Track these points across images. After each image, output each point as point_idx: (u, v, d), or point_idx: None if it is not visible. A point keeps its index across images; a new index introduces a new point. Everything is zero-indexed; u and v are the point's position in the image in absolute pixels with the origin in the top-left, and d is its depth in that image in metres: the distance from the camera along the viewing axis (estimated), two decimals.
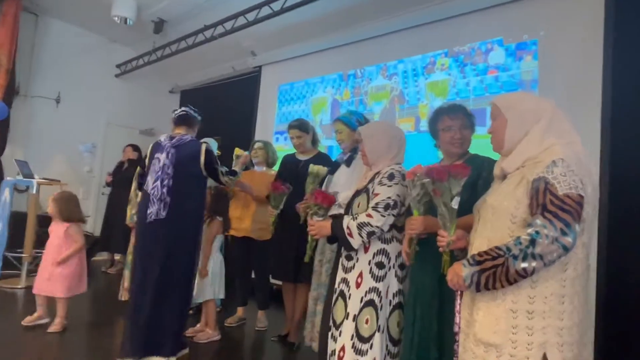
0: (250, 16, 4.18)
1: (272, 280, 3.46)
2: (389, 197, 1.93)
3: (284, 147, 4.69)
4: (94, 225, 5.84)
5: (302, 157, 3.16)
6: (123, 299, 3.75)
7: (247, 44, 5.13)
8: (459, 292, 1.46)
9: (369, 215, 1.91)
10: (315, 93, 4.50)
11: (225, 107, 5.72)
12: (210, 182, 3.52)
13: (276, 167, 3.47)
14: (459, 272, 1.35)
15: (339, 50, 4.30)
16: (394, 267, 1.98)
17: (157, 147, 2.64)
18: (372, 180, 2.07)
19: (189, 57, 5.67)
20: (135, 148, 5.29)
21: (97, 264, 5.43)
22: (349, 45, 4.23)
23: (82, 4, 5.24)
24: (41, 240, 5.24)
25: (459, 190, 1.51)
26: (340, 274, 2.07)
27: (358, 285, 1.98)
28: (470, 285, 1.33)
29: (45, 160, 5.49)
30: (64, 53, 5.75)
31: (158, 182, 2.53)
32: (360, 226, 1.91)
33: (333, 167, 2.82)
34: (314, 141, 3.17)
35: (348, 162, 2.68)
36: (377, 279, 1.95)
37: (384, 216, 1.90)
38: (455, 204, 1.52)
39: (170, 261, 2.49)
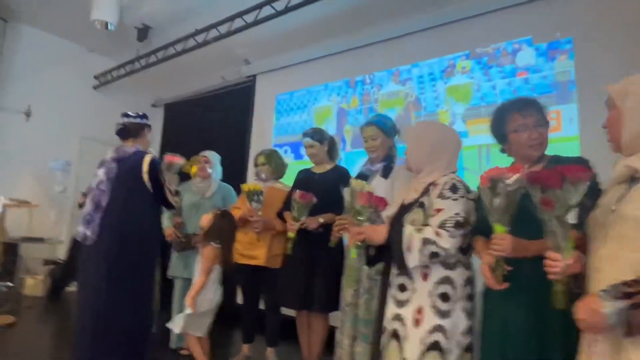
0: (243, 20, 3.84)
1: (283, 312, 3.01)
2: (457, 214, 1.57)
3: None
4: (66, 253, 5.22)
5: (316, 170, 2.77)
6: None
7: (240, 51, 4.76)
8: (591, 336, 1.09)
9: (438, 234, 1.54)
10: (319, 102, 4.15)
11: (215, 121, 5.31)
12: (215, 203, 3.11)
13: (286, 180, 3.07)
14: (598, 309, 0.99)
15: (345, 56, 3.99)
16: (461, 299, 1.61)
17: (101, 163, 2.43)
18: (425, 192, 1.70)
19: (173, 67, 5.26)
20: None
21: (74, 295, 4.83)
22: (355, 50, 3.92)
23: (56, 8, 4.78)
24: (8, 270, 4.68)
25: (579, 200, 1.16)
26: (391, 309, 1.67)
27: (417, 323, 1.59)
28: (615, 326, 0.97)
29: (13, 180, 4.92)
30: (36, 62, 5.24)
31: (89, 201, 2.31)
32: (425, 242, 1.54)
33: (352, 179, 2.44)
34: (333, 154, 2.78)
35: (385, 173, 2.31)
36: (442, 314, 1.57)
37: (453, 237, 1.54)
38: (572, 217, 1.16)
39: (110, 290, 2.20)
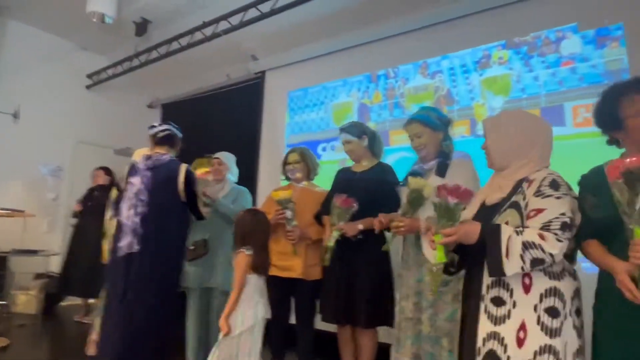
0: (250, 14, 3.57)
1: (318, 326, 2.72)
2: (563, 214, 1.32)
3: None
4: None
5: (356, 169, 2.50)
6: (89, 353, 2.87)
7: (247, 47, 4.48)
8: None
9: (542, 237, 1.29)
10: (337, 98, 3.89)
11: (219, 122, 5.00)
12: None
13: (318, 181, 2.80)
14: None
15: (364, 48, 3.74)
16: (570, 314, 1.36)
17: (132, 170, 2.38)
18: (517, 190, 1.46)
19: (173, 65, 4.96)
20: (107, 171, 4.45)
21: (69, 310, 4.46)
22: (376, 43, 3.68)
23: (47, 3, 4.44)
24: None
25: None
26: (485, 326, 1.42)
27: (521, 342, 1.34)
28: None
29: (1, 187, 4.53)
30: (25, 60, 4.88)
31: (132, 211, 2.26)
32: (527, 246, 1.29)
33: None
34: (375, 149, 2.52)
35: (440, 171, 2.06)
36: (551, 332, 1.32)
37: (561, 241, 1.30)
38: None
39: (145, 301, 2.20)
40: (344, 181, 2.47)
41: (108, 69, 5.21)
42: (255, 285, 2.21)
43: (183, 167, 2.36)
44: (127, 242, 2.21)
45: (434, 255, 1.50)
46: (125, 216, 2.25)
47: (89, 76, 5.39)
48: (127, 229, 2.22)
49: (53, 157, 5.13)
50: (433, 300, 1.96)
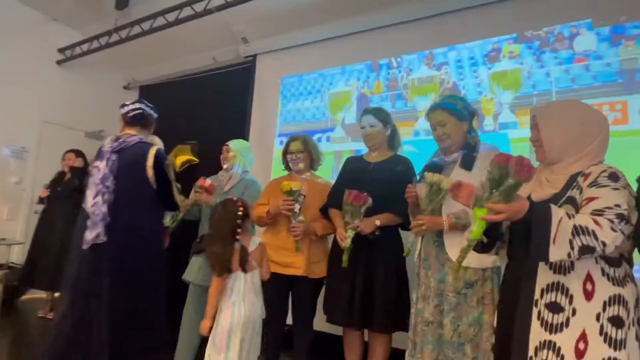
0: None
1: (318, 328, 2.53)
2: (618, 205, 1.21)
3: None
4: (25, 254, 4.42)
5: (371, 159, 2.33)
6: None
7: (237, 29, 4.22)
8: None
9: (597, 223, 1.17)
10: (335, 87, 3.70)
11: (204, 107, 4.71)
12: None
13: (322, 173, 2.61)
14: None
15: (366, 36, 3.57)
16: (633, 323, 1.24)
17: (98, 154, 2.18)
18: (572, 185, 1.33)
19: (153, 44, 4.63)
20: (79, 154, 4.10)
21: (32, 305, 4.08)
22: (378, 30, 3.51)
23: None
24: None
25: None
26: (538, 334, 1.28)
27: (580, 354, 1.22)
28: None
29: None
30: None
31: (98, 198, 2.05)
32: (578, 232, 1.17)
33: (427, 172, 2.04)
34: (393, 142, 2.35)
35: (467, 164, 1.91)
36: (616, 344, 1.21)
37: (615, 230, 1.18)
38: None
39: (117, 297, 1.99)
40: (357, 171, 2.30)
41: (82, 43, 4.81)
42: (243, 281, 2.01)
43: (152, 150, 2.13)
44: (94, 234, 2.01)
45: (468, 233, 1.36)
46: (90, 204, 2.05)
47: (61, 51, 4.95)
48: (95, 219, 2.02)
49: (17, 138, 4.70)
50: (456, 304, 1.82)
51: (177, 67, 5.09)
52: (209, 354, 1.95)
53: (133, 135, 2.19)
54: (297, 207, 2.22)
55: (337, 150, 3.56)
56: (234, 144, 2.85)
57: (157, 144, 2.90)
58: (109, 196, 2.04)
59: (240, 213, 2.01)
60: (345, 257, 2.07)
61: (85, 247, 2.00)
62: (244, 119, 4.23)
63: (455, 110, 1.98)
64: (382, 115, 2.35)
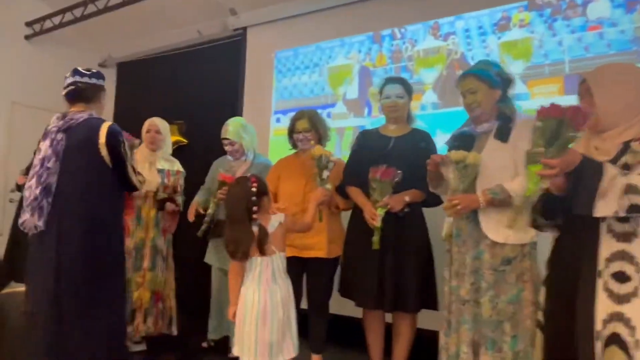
0: None
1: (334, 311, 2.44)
2: None
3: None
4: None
5: (390, 134, 2.21)
6: None
7: None
8: None
9: None
10: (334, 59, 3.53)
11: (189, 85, 4.45)
12: None
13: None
14: None
15: (367, 5, 3.39)
16: None
17: (44, 134, 2.00)
18: (625, 152, 1.28)
19: (131, 17, 4.33)
20: None
21: (14, 300, 3.81)
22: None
23: None
24: None
25: None
26: (606, 306, 1.23)
27: None
28: None
29: None
30: None
31: (33, 181, 1.90)
32: (630, 190, 1.15)
33: (455, 143, 1.94)
34: (410, 116, 2.24)
35: (502, 135, 1.82)
36: None
37: None
38: None
39: (68, 291, 1.87)
40: (377, 146, 2.17)
41: (53, 16, 4.42)
42: (250, 269, 1.87)
43: (105, 125, 1.96)
44: (28, 219, 1.87)
45: (523, 188, 1.38)
46: (26, 187, 1.91)
47: (29, 24, 4.55)
48: (28, 207, 1.88)
49: None
50: (493, 281, 1.75)
51: (157, 42, 4.77)
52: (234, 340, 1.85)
53: (81, 111, 1.99)
54: (325, 173, 2.08)
55: (339, 126, 3.42)
56: (230, 134, 2.64)
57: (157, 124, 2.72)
58: (48, 179, 1.88)
59: (254, 190, 1.85)
60: (376, 238, 1.97)
61: (26, 231, 1.91)
62: (235, 96, 4.02)
63: (487, 77, 1.87)
64: (408, 86, 2.25)
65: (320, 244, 2.17)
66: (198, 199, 2.68)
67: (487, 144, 1.83)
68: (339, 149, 3.37)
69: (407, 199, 2.00)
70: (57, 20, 4.39)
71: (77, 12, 4.27)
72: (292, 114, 3.60)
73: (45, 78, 4.72)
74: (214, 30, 4.30)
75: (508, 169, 1.79)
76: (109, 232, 2.02)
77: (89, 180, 1.95)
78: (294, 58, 3.72)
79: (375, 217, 1.99)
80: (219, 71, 4.24)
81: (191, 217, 2.57)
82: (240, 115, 3.89)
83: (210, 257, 2.67)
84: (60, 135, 1.91)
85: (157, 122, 2.87)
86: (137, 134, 4.66)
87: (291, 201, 2.20)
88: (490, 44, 2.94)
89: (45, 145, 1.92)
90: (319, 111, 3.46)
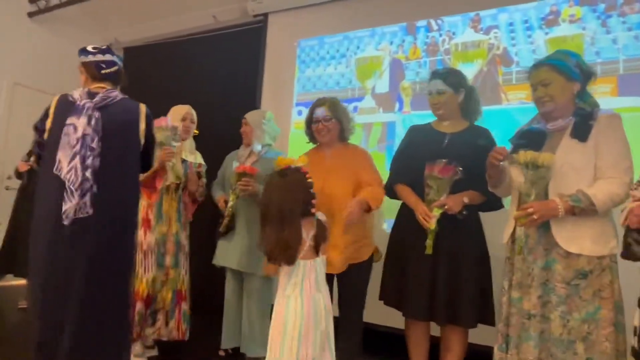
0: None
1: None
2: None
3: None
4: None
5: (445, 130, 2.01)
6: None
7: None
8: None
9: None
10: (363, 50, 3.33)
11: (202, 75, 4.19)
12: None
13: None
14: None
15: None
16: None
17: (69, 107, 1.79)
18: None
19: None
20: None
21: (10, 294, 3.57)
22: None
23: None
24: None
25: None
26: None
27: None
28: None
29: None
30: None
31: (77, 162, 1.73)
32: None
33: (522, 142, 1.75)
34: (469, 108, 2.03)
35: (580, 134, 1.63)
36: None
37: None
38: None
39: (98, 276, 1.76)
40: (430, 143, 1.97)
41: None
42: (291, 274, 1.67)
43: (143, 108, 1.93)
44: (74, 204, 1.72)
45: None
46: (66, 170, 1.74)
47: (32, 1, 4.28)
48: (72, 187, 1.73)
49: None
50: (566, 296, 1.56)
51: (168, 26, 4.54)
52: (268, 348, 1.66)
53: (111, 89, 1.90)
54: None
55: (366, 122, 3.22)
56: (250, 116, 2.51)
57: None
58: (93, 161, 1.75)
59: (310, 181, 1.64)
60: (429, 242, 1.78)
61: (66, 222, 1.71)
62: (253, 86, 3.79)
63: (564, 68, 1.68)
64: (453, 78, 2.02)
65: (345, 254, 1.96)
66: (222, 193, 2.48)
67: (562, 144, 1.64)
68: (366, 145, 3.17)
69: (465, 200, 1.81)
70: None
71: None
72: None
73: (48, 59, 4.47)
74: (232, 15, 4.08)
75: (586, 171, 1.60)
76: (135, 218, 2.00)
77: (127, 163, 1.89)
78: (318, 48, 3.51)
79: (429, 218, 1.79)
80: (235, 59, 4.02)
81: (222, 205, 2.37)
82: (259, 106, 3.68)
83: (223, 258, 2.40)
84: (97, 113, 1.78)
85: (193, 111, 2.67)
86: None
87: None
88: (537, 40, 2.76)
89: (82, 123, 1.75)
90: (345, 105, 3.29)
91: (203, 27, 4.27)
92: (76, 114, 1.77)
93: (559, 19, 2.72)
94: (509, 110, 2.75)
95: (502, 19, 2.88)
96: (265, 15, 3.80)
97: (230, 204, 2.26)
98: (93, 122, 1.76)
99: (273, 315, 1.69)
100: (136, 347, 2.32)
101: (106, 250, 1.79)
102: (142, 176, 2.28)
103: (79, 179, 1.72)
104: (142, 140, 1.91)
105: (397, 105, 3.14)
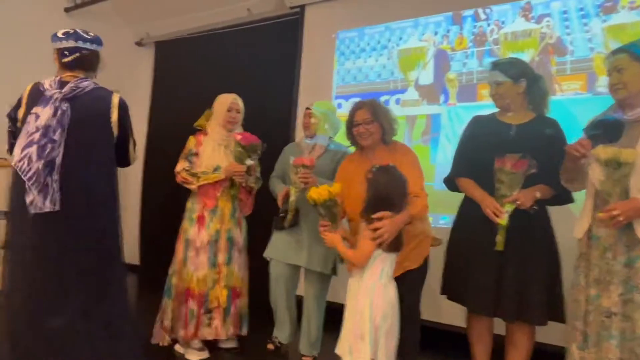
0: None
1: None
2: None
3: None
4: None
5: (510, 121, 1.93)
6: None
7: None
8: None
9: None
10: (405, 41, 3.26)
11: (235, 69, 4.17)
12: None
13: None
14: None
15: None
16: None
17: (38, 96, 1.78)
18: None
19: None
20: None
21: None
22: None
23: None
24: None
25: None
26: None
27: None
28: None
29: None
30: None
31: (31, 152, 1.68)
32: None
33: (597, 132, 1.68)
34: (536, 98, 1.95)
35: None
36: None
37: None
38: None
39: (69, 269, 1.73)
40: (495, 135, 1.90)
41: None
42: (386, 264, 1.73)
43: (115, 98, 1.87)
44: (34, 199, 1.67)
45: None
46: (18, 158, 1.69)
47: None
48: (26, 177, 1.67)
49: (16, 95, 4.09)
50: None
51: (200, 20, 4.51)
52: (349, 344, 1.66)
53: (83, 78, 1.85)
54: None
55: (409, 114, 3.16)
56: (317, 107, 2.45)
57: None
58: (52, 152, 1.70)
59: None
60: (500, 238, 1.73)
61: (31, 212, 1.68)
62: (290, 79, 3.75)
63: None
64: (512, 69, 1.95)
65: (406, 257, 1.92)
66: (283, 185, 2.42)
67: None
68: (409, 139, 3.12)
69: (538, 194, 1.75)
70: None
71: None
72: (356, 99, 3.41)
73: None
74: (267, 7, 4.04)
75: None
76: (112, 211, 1.92)
77: (96, 156, 1.83)
78: (358, 39, 3.45)
79: (500, 213, 1.73)
80: (271, 52, 3.98)
81: (280, 202, 2.34)
82: (296, 100, 3.65)
83: (284, 254, 2.34)
84: (65, 105, 1.73)
85: (239, 100, 2.61)
86: (177, 117, 4.46)
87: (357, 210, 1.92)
88: (593, 28, 2.66)
89: (47, 114, 1.71)
90: (387, 97, 3.24)
91: (236, 20, 4.23)
92: (42, 104, 1.74)
93: (617, 5, 2.61)
94: (562, 101, 2.66)
95: (555, 7, 2.78)
96: (302, 7, 3.74)
97: (291, 198, 2.22)
98: (59, 113, 1.72)
99: (356, 301, 1.69)
100: (195, 343, 2.33)
101: (76, 243, 1.75)
102: (199, 182, 2.34)
103: (32, 170, 1.67)
104: (116, 131, 1.86)
105: (442, 97, 3.07)
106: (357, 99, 3.31)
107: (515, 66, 1.94)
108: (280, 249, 2.34)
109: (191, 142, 2.52)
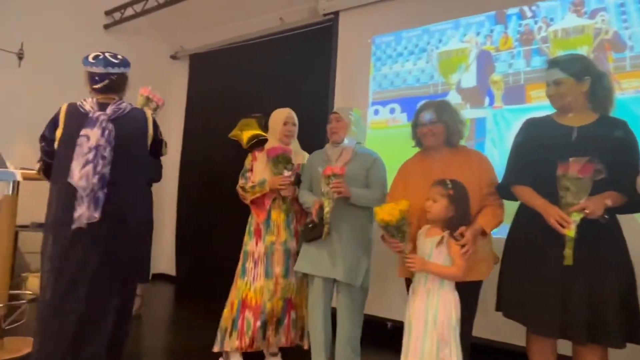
0: None
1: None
2: None
3: (386, 124, 3.30)
4: None
5: (571, 123, 1.77)
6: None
7: None
8: None
9: None
10: (445, 44, 3.13)
11: (270, 76, 4.16)
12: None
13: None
14: None
15: None
16: None
17: (82, 119, 1.90)
18: None
19: (204, 5, 4.11)
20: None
21: None
22: None
23: None
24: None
25: None
26: None
27: None
28: None
29: (7, 141, 3.61)
30: None
31: (88, 169, 1.82)
32: None
33: None
34: (597, 99, 1.78)
35: None
36: None
37: None
38: None
39: (105, 281, 1.88)
40: (554, 138, 1.74)
41: (131, 5, 4.26)
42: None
43: (149, 114, 2.09)
44: (83, 211, 1.81)
45: None
46: (77, 177, 1.83)
47: (108, 13, 4.42)
48: (84, 194, 1.82)
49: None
50: None
51: (233, 31, 4.54)
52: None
53: (120, 101, 2.02)
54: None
55: None
56: (344, 111, 2.40)
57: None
58: (103, 169, 1.87)
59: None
60: (569, 251, 1.55)
61: (74, 226, 1.81)
62: (325, 87, 3.69)
63: None
64: (575, 66, 1.78)
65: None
66: (313, 197, 2.33)
67: None
68: None
69: (608, 202, 1.57)
70: (137, 7, 4.23)
71: (153, 1, 4.09)
72: (393, 104, 3.32)
73: None
74: (300, 16, 4.01)
75: None
76: (149, 225, 2.19)
77: (137, 170, 2.02)
78: (395, 43, 3.35)
79: (567, 224, 1.57)
80: (305, 60, 3.94)
81: (314, 215, 2.23)
82: (332, 107, 3.57)
83: (320, 267, 2.21)
84: (110, 125, 1.90)
85: (293, 114, 2.60)
86: (211, 129, 4.46)
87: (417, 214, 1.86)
88: None
89: (96, 134, 1.87)
90: (456, 107, 3.10)
91: (269, 30, 4.22)
92: (90, 126, 1.87)
93: None
94: (623, 100, 2.45)
95: (610, 0, 2.59)
96: (336, 13, 3.68)
97: (326, 209, 2.12)
98: (107, 134, 1.88)
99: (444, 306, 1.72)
100: (235, 356, 2.28)
101: (120, 260, 1.91)
102: (251, 195, 2.40)
103: (90, 187, 1.82)
104: (151, 141, 2.08)
105: (487, 100, 2.92)
106: (395, 105, 3.30)
107: (578, 63, 1.78)
108: (314, 263, 2.23)
109: (247, 159, 2.56)
